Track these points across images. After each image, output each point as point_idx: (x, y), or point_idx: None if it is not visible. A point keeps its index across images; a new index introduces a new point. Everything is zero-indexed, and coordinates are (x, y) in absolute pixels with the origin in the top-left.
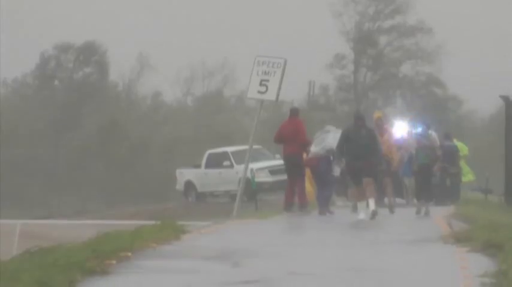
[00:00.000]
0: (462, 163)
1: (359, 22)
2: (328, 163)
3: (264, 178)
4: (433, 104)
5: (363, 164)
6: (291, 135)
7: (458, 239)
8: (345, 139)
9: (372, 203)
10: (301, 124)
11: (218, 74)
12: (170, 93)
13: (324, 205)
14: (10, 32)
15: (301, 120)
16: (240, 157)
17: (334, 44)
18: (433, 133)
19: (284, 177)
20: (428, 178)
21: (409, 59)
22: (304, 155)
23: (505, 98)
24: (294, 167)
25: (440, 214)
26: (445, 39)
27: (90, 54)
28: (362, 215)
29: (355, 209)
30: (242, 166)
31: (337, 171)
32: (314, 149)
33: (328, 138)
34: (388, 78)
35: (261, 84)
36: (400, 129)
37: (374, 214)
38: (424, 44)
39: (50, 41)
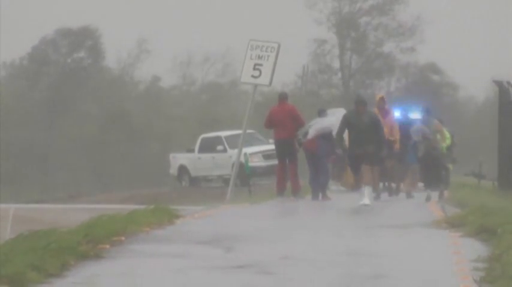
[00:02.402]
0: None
1: (337, 7)
2: (327, 147)
3: (258, 162)
4: (421, 83)
5: (364, 153)
6: (283, 120)
7: (452, 224)
8: (345, 125)
9: (367, 194)
10: (295, 109)
11: (219, 62)
12: (167, 79)
13: (319, 191)
14: (8, 15)
15: (293, 105)
16: (233, 141)
17: (318, 31)
18: (435, 120)
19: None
20: (435, 163)
21: (391, 36)
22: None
23: (499, 83)
24: (286, 152)
25: (434, 199)
26: (423, 10)
27: (84, 38)
28: (365, 200)
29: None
30: (235, 151)
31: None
32: (312, 132)
33: (327, 119)
34: (373, 60)
35: (254, 68)
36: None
37: (366, 206)
38: (402, 16)
39: (48, 26)
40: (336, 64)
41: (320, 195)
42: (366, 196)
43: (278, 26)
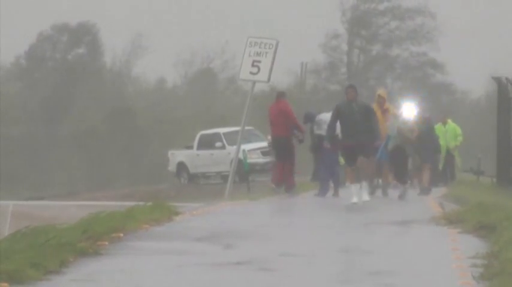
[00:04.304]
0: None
1: (356, 4)
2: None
3: (256, 159)
4: (425, 85)
5: (357, 143)
6: (277, 117)
7: (450, 220)
8: (337, 115)
9: (365, 190)
10: (287, 107)
11: (218, 59)
12: (166, 75)
13: (329, 187)
14: (5, 12)
15: (288, 102)
16: (232, 138)
17: (328, 25)
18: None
19: None
20: (404, 159)
21: (404, 40)
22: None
23: (498, 80)
24: (282, 149)
25: (432, 196)
26: (443, 21)
27: (82, 34)
28: (355, 198)
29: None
30: (234, 147)
31: None
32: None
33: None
34: (380, 59)
35: (253, 65)
36: (409, 110)
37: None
38: (424, 26)
39: (46, 22)
40: (343, 60)
41: (333, 191)
42: (364, 191)
43: (284, 18)
